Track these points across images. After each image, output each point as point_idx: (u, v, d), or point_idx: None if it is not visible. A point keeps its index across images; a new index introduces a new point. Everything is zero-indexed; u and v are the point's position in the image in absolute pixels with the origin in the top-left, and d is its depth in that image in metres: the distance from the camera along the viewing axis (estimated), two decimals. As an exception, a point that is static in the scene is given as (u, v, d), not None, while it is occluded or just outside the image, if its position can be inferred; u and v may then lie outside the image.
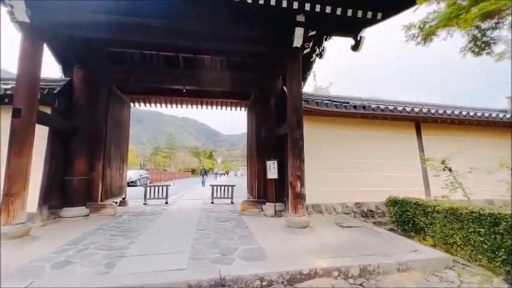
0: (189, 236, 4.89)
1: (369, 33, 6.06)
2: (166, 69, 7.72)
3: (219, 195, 9.92)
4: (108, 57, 7.43)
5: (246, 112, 10.61)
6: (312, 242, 4.50)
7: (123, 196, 8.90)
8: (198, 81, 7.68)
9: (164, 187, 9.76)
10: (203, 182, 21.97)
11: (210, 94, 9.48)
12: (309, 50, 6.07)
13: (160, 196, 9.63)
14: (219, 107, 11.23)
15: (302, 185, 5.48)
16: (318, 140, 7.25)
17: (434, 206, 5.01)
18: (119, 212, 7.50)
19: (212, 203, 9.64)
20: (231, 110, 11.34)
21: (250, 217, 6.86)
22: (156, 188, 9.70)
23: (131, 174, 23.42)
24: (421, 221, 5.36)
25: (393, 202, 6.16)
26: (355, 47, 6.17)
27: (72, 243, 4.42)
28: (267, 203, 7.45)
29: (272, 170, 7.14)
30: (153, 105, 10.84)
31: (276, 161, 7.08)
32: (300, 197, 5.43)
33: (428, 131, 8.19)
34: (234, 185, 10.18)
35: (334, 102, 6.71)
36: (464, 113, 7.63)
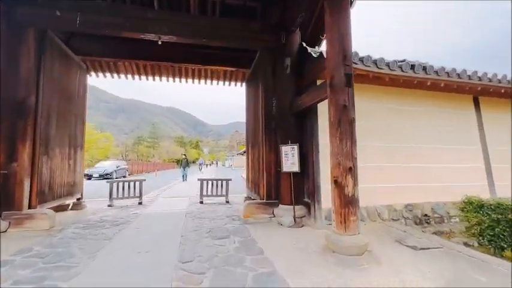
0: (165, 279, 2.63)
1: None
2: (132, 9, 5.22)
3: (209, 193, 7.66)
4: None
5: (245, 85, 8.24)
6: (399, 294, 2.37)
7: (78, 196, 6.47)
8: (180, 29, 5.24)
9: (137, 183, 7.37)
10: (184, 176, 16.66)
11: (196, 57, 7.05)
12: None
13: (132, 194, 7.25)
14: (208, 80, 8.81)
15: (355, 183, 3.31)
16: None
17: None
18: (64, 221, 5.13)
19: (201, 202, 7.38)
20: (224, 83, 8.96)
21: (260, 228, 4.67)
22: (127, 184, 7.29)
23: (107, 165, 20.79)
24: (541, 238, 3.36)
25: (477, 206, 4.15)
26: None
27: None
28: (281, 206, 5.27)
29: (290, 160, 4.94)
30: (122, 76, 8.29)
31: (296, 147, 4.88)
32: (352, 203, 3.26)
33: (488, 107, 6.21)
34: (230, 179, 7.93)
35: (385, 61, 4.52)
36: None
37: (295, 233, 4.35)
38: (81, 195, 6.64)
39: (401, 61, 4.65)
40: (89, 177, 18.82)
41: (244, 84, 8.47)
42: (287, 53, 5.46)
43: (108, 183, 7.10)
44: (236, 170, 37.82)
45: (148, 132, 63.24)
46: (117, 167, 21.25)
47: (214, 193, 7.64)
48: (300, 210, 5.08)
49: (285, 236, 4.22)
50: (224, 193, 7.67)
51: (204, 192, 7.58)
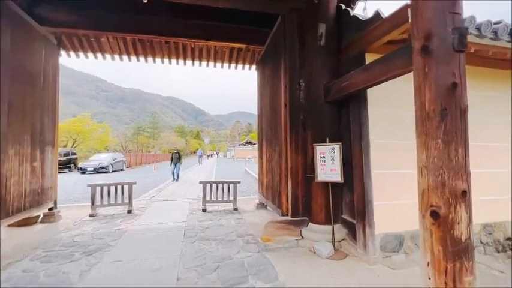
0: None
1: None
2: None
3: (214, 198, 6.32)
4: None
5: (257, 66, 6.81)
6: None
7: (49, 206, 5.15)
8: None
9: (126, 186, 6.04)
10: (176, 175, 12.88)
11: (196, 30, 5.63)
12: None
13: (120, 201, 5.93)
14: (211, 62, 7.34)
15: (471, 218, 1.95)
16: (402, 105, 3.64)
17: None
18: (23, 244, 3.85)
19: (204, 210, 6.06)
20: (229, 66, 7.49)
21: (287, 260, 3.35)
22: (113, 188, 5.95)
23: (102, 158, 19.53)
24: None
25: None
26: None
27: None
28: (311, 225, 3.95)
29: (328, 165, 3.56)
30: (107, 56, 6.86)
31: (337, 147, 3.50)
32: (466, 252, 1.91)
33: None
34: (239, 181, 6.58)
35: (475, 22, 3.07)
36: None
37: (342, 272, 3.03)
38: (55, 203, 5.33)
39: (497, 23, 3.19)
40: (83, 171, 17.61)
41: (255, 66, 7.05)
42: (321, 18, 3.99)
43: (90, 188, 5.77)
44: (239, 161, 36.64)
45: (148, 122, 61.68)
46: (114, 160, 19.98)
47: (219, 198, 6.31)
48: (338, 232, 3.76)
49: (328, 278, 2.89)
50: (231, 197, 6.34)
51: (208, 198, 6.25)
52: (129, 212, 5.87)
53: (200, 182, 6.45)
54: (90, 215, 5.57)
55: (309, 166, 4.02)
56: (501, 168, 4.05)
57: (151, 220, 5.30)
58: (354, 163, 3.62)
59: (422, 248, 2.06)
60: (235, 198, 6.30)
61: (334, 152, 3.51)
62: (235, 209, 6.15)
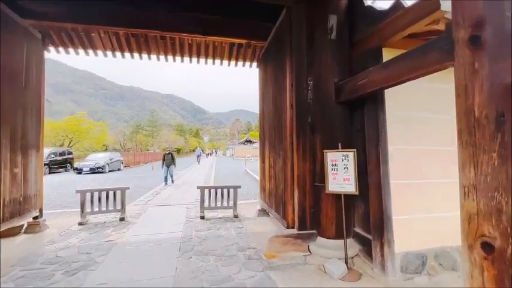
0: None
1: None
2: None
3: (212, 204, 5.93)
4: None
5: (258, 63, 6.40)
6: None
7: (34, 214, 4.75)
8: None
9: (118, 192, 5.63)
10: (170, 178, 11.62)
11: (193, 24, 5.21)
12: None
13: (111, 207, 5.53)
14: (209, 59, 6.92)
15: (535, 252, 1.55)
16: (425, 105, 3.25)
17: None
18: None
19: (202, 218, 5.66)
20: (229, 63, 7.06)
21: (295, 282, 2.96)
22: (104, 193, 5.55)
23: (99, 157, 19.13)
24: None
25: None
26: None
27: None
28: (320, 240, 3.56)
29: (341, 174, 3.17)
30: (99, 52, 6.42)
31: (351, 154, 3.11)
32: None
33: None
34: (239, 186, 6.18)
35: None
36: None
37: (357, 299, 2.65)
38: (40, 212, 4.92)
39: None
40: (79, 171, 17.20)
41: (257, 63, 6.63)
42: (331, 9, 3.58)
43: (80, 194, 5.37)
44: (238, 160, 36.28)
45: (147, 120, 61.16)
46: (111, 160, 19.55)
47: (218, 204, 5.91)
48: (350, 247, 3.37)
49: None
50: (231, 203, 5.95)
51: (206, 204, 5.86)
52: (122, 219, 5.47)
53: (198, 187, 6.04)
54: (80, 223, 5.17)
55: (317, 174, 3.63)
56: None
57: (145, 230, 4.90)
58: (370, 171, 3.23)
59: (469, 286, 1.67)
60: (235, 204, 5.90)
61: (347, 160, 3.11)
62: (236, 216, 5.76)
